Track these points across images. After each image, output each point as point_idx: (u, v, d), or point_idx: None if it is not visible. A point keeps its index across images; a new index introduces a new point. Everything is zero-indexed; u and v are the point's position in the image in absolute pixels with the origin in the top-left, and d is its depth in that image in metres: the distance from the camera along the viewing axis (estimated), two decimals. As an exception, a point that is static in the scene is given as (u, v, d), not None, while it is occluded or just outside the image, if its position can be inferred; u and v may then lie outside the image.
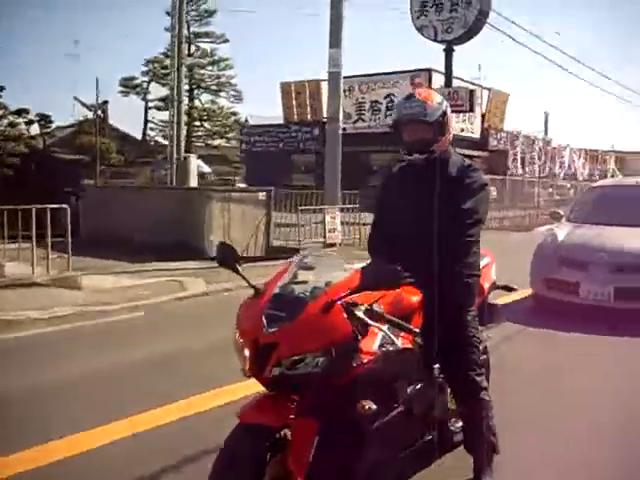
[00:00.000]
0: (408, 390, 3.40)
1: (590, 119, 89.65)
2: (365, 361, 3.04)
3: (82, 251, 12.01)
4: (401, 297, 3.36)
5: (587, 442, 4.70)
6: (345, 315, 2.93)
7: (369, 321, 2.99)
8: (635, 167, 39.70)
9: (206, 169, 31.51)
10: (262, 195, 16.06)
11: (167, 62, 30.05)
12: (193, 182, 19.29)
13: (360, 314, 2.97)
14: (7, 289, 9.54)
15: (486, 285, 4.23)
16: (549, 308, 8.73)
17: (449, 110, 3.86)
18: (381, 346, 3.13)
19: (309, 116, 38.06)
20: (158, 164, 32.28)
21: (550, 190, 32.15)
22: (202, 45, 28.89)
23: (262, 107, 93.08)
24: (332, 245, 15.45)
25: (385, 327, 3.07)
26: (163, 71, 30.20)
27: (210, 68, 30.17)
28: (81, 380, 5.84)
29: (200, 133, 29.37)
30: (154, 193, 17.85)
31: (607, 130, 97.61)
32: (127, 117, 60.98)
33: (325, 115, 36.92)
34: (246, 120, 35.95)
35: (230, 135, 31.44)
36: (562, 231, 9.28)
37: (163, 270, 12.35)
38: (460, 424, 4.24)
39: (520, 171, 31.36)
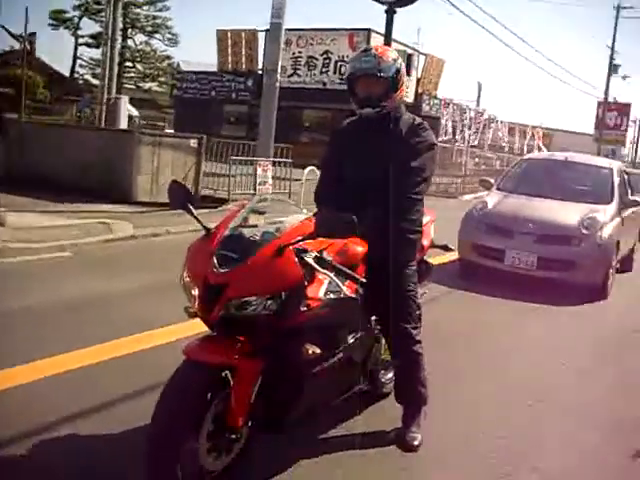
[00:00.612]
0: (349, 338, 3.48)
1: (522, 94, 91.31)
2: (312, 306, 3.08)
3: (2, 188, 11.58)
4: (347, 247, 3.42)
5: (500, 396, 4.92)
6: (296, 260, 2.96)
7: (318, 268, 3.04)
8: (561, 144, 40.77)
9: (134, 112, 30.74)
10: (193, 142, 15.77)
11: (102, -3, 29.16)
12: (123, 124, 18.75)
13: (310, 260, 3.02)
14: None
15: (425, 243, 4.32)
16: (474, 273, 8.98)
17: (403, 68, 3.91)
18: (327, 293, 3.18)
19: (244, 66, 37.48)
20: (85, 102, 31.30)
21: (477, 160, 32.68)
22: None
23: (195, 54, 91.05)
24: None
25: (332, 275, 3.12)
26: (96, 6, 29.14)
27: (146, 8, 29.32)
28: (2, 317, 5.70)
29: (132, 74, 28.55)
30: (82, 133, 17.24)
31: (537, 106, 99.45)
32: (55, 52, 58.69)
33: (260, 66, 36.74)
34: (178, 65, 35.12)
35: (162, 79, 30.66)
36: (492, 199, 9.50)
37: (89, 212, 12.03)
38: (389, 375, 4.39)
39: (450, 139, 31.71)
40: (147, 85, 30.97)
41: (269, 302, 2.92)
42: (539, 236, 8.56)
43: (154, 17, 29.90)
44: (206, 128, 20.82)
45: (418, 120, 3.93)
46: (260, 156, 15.56)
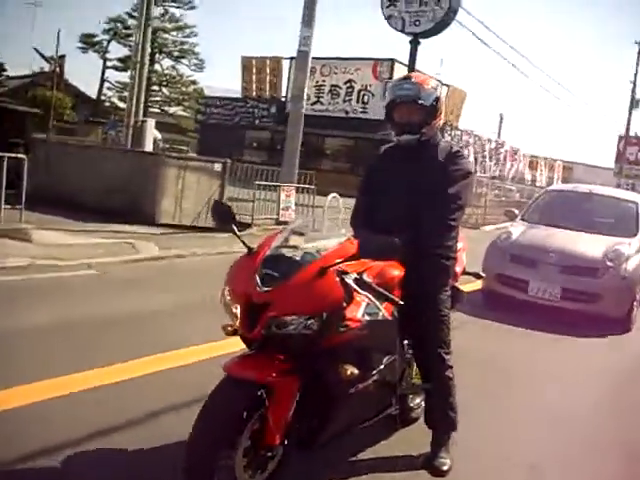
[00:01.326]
0: (384, 360, 3.53)
1: (543, 126, 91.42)
2: (350, 327, 3.14)
3: (28, 206, 11.69)
4: (384, 270, 3.48)
5: (528, 422, 4.93)
6: (337, 281, 3.02)
7: (358, 289, 3.09)
8: (581, 177, 40.76)
9: (158, 135, 31.08)
10: (217, 166, 15.93)
11: (130, 22, 29.64)
12: (148, 147, 19.02)
13: (350, 282, 3.07)
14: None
15: (458, 269, 4.36)
16: (498, 303, 8.99)
17: (442, 96, 3.98)
18: (365, 314, 3.23)
19: (267, 93, 37.89)
20: (111, 125, 31.71)
21: (497, 192, 32.74)
22: (169, 9, 28.44)
23: (219, 80, 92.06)
24: (284, 223, 15.47)
25: (371, 296, 3.17)
26: (125, 31, 29.68)
27: (174, 33, 29.79)
28: (36, 331, 5.77)
29: (157, 98, 28.94)
30: (108, 154, 17.47)
31: (558, 139, 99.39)
32: (82, 75, 59.68)
33: (284, 93, 37.13)
34: (202, 90, 35.53)
35: (187, 104, 31.03)
36: (516, 230, 9.53)
37: (113, 232, 12.16)
38: (418, 401, 4.42)
39: (470, 170, 31.84)
40: (172, 109, 31.33)
41: (310, 321, 2.98)
42: (563, 267, 8.56)
43: (182, 43, 30.39)
44: (228, 153, 21.02)
45: (455, 148, 4.00)
46: (284, 181, 15.71)
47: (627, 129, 44.40)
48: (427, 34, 22.58)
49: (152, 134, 19.57)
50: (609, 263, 8.51)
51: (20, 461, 3.48)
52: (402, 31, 22.74)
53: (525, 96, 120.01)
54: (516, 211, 10.50)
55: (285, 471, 3.32)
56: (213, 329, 5.92)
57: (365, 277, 3.16)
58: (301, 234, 3.34)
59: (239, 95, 38.72)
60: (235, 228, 3.49)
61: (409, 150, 3.95)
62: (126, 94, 29.16)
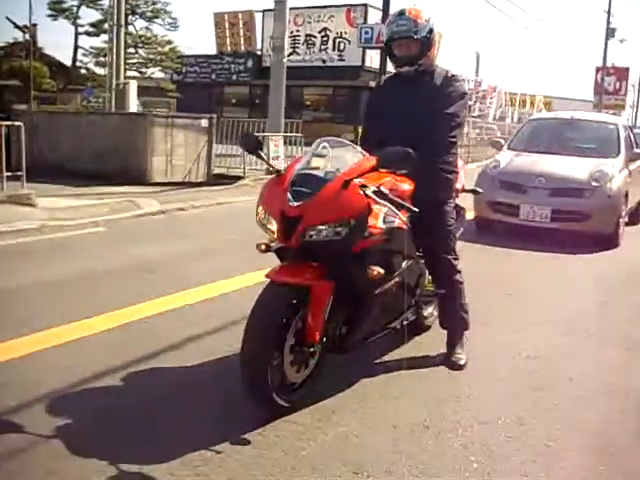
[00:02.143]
0: (403, 264, 3.93)
1: (520, 63, 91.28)
2: (373, 234, 3.52)
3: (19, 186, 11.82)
4: (397, 185, 3.85)
5: (535, 324, 5.37)
6: (360, 192, 3.40)
7: (378, 199, 3.46)
8: (560, 111, 41.09)
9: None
10: (204, 122, 16.17)
11: (99, -15, 29.40)
12: (132, 109, 19.16)
13: (370, 193, 3.44)
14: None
15: (459, 186, 4.73)
16: (491, 229, 9.42)
17: (435, 27, 4.29)
18: (385, 222, 3.62)
19: (242, 47, 37.82)
20: (88, 92, 31.64)
21: (478, 131, 33.03)
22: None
23: (194, 38, 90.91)
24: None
25: (389, 205, 3.55)
26: (94, -5, 29.50)
27: (146, -7, 29.66)
28: (69, 280, 6.13)
29: (134, 60, 28.82)
30: (94, 118, 17.55)
31: (536, 74, 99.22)
32: (54, 43, 58.94)
33: (259, 47, 37.07)
34: (177, 49, 35.30)
35: (165, 64, 30.96)
36: (504, 158, 9.91)
37: (110, 193, 12.41)
38: (430, 310, 4.84)
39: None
40: (150, 71, 31.27)
41: (338, 228, 3.36)
42: (552, 190, 8.97)
43: (154, 2, 30.20)
44: (208, 111, 21.16)
45: (451, 73, 4.34)
46: (271, 132, 15.94)
47: (604, 59, 44.59)
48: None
49: (135, 96, 19.65)
50: (595, 183, 8.92)
51: (88, 380, 3.87)
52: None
53: (500, 33, 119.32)
54: (502, 141, 10.86)
55: (322, 369, 3.73)
56: (229, 267, 6.38)
57: (383, 189, 3.53)
58: (322, 156, 3.69)
59: (214, 52, 38.64)
60: (261, 153, 3.86)
61: (409, 79, 4.28)
62: (102, 59, 29.10)
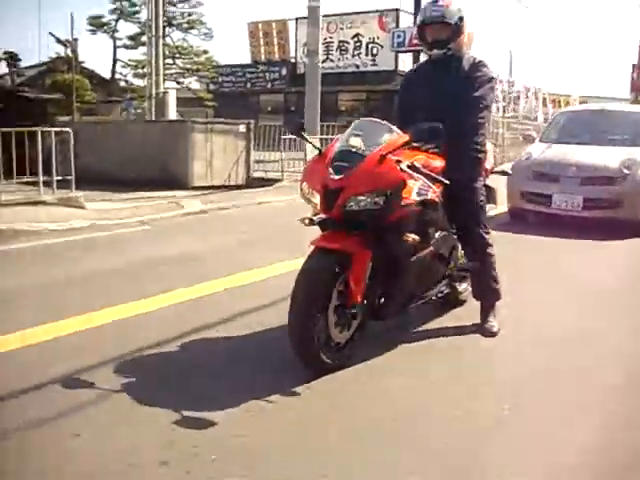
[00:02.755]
0: (437, 235, 4.24)
1: (555, 62, 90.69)
2: (408, 204, 3.84)
3: (68, 184, 12.24)
4: (429, 161, 4.16)
5: (561, 302, 5.63)
6: (395, 165, 3.72)
7: (412, 173, 3.78)
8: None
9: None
10: (242, 127, 16.62)
11: (136, -1, 30.16)
12: (172, 116, 19.68)
13: (404, 167, 3.76)
14: (18, 206, 10.09)
15: (488, 166, 5.02)
16: (524, 218, 9.66)
17: (465, 16, 4.60)
18: (419, 194, 3.93)
19: (277, 56, 38.34)
20: (127, 104, 32.39)
21: (513, 132, 33.01)
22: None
23: (228, 48, 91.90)
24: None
25: (423, 178, 3.86)
26: (131, 9, 30.29)
27: (181, 5, 30.36)
28: (122, 268, 6.54)
29: (172, 71, 29.54)
30: (135, 127, 18.11)
31: (570, 74, 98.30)
32: (92, 56, 60.56)
33: (292, 54, 37.56)
34: (213, 58, 35.91)
35: (201, 73, 31.64)
36: (536, 150, 10.14)
37: (154, 197, 12.88)
38: (464, 286, 5.13)
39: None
40: (187, 81, 31.97)
41: (377, 198, 3.69)
42: (583, 179, 9.17)
43: (189, 14, 30.93)
44: (245, 119, 21.66)
45: (479, 58, 4.65)
46: (308, 134, 16.28)
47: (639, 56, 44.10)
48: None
49: (174, 104, 20.17)
50: (626, 171, 9.09)
51: (158, 345, 4.25)
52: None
53: (534, 31, 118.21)
54: (534, 134, 11.07)
55: (364, 332, 4.05)
56: (272, 256, 6.74)
57: (416, 163, 3.85)
58: (359, 135, 4.00)
59: (248, 61, 39.22)
60: (305, 134, 4.22)
61: (438, 63, 4.61)
62: (140, 71, 29.88)
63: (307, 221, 4.03)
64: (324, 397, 3.58)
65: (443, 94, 4.47)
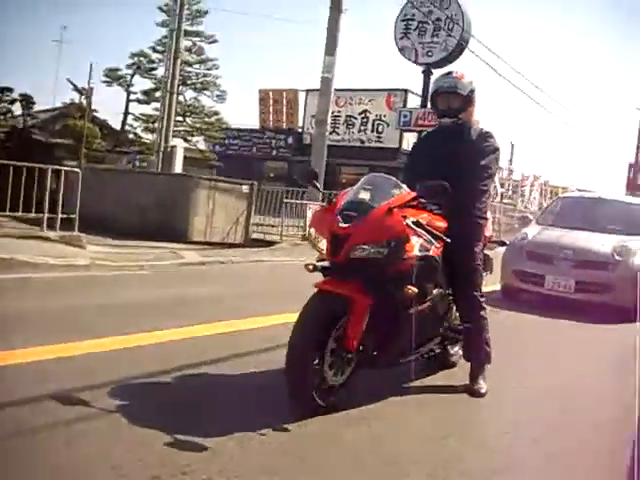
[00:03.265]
0: (434, 291, 4.39)
1: (554, 154, 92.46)
2: (410, 257, 4.01)
3: (70, 226, 12.34)
4: (432, 221, 4.35)
5: (547, 374, 5.73)
6: (401, 218, 3.91)
7: (416, 228, 3.96)
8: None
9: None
10: (245, 187, 16.89)
11: (154, 56, 30.88)
12: (178, 170, 20.04)
13: (410, 222, 3.95)
14: (21, 239, 10.24)
15: (487, 234, 5.21)
16: (516, 297, 9.83)
17: (476, 89, 4.88)
18: (420, 250, 4.10)
19: (284, 124, 39.08)
20: (133, 157, 32.85)
21: (509, 219, 33.50)
22: (190, 43, 29.68)
23: (238, 112, 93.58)
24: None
25: (425, 235, 4.04)
26: (149, 65, 31.01)
27: (197, 66, 31.08)
28: (113, 308, 6.64)
29: (181, 128, 30.10)
30: (141, 178, 18.35)
31: (568, 167, 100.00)
32: (104, 107, 61.88)
33: (300, 124, 38.31)
34: (223, 120, 36.51)
35: (209, 133, 32.21)
36: (531, 231, 10.39)
37: (153, 247, 13.03)
38: (456, 349, 5.25)
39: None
40: (194, 139, 32.51)
41: (381, 249, 3.86)
42: (577, 262, 9.38)
43: (204, 75, 31.65)
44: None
45: (486, 129, 4.90)
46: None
47: (637, 156, 45.13)
48: (440, 64, 23.37)
49: (181, 159, 20.58)
50: (618, 257, 9.31)
51: (152, 376, 4.34)
52: (415, 62, 23.73)
53: (534, 124, 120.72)
54: (530, 216, 11.34)
55: (357, 380, 4.16)
56: (267, 308, 6.87)
57: (421, 220, 4.04)
58: (367, 189, 4.20)
59: (256, 127, 39.96)
60: (317, 184, 4.42)
61: (447, 131, 4.85)
62: (150, 125, 30.41)
63: (311, 267, 4.18)
64: (314, 436, 3.67)
65: (450, 160, 4.67)
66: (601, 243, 9.60)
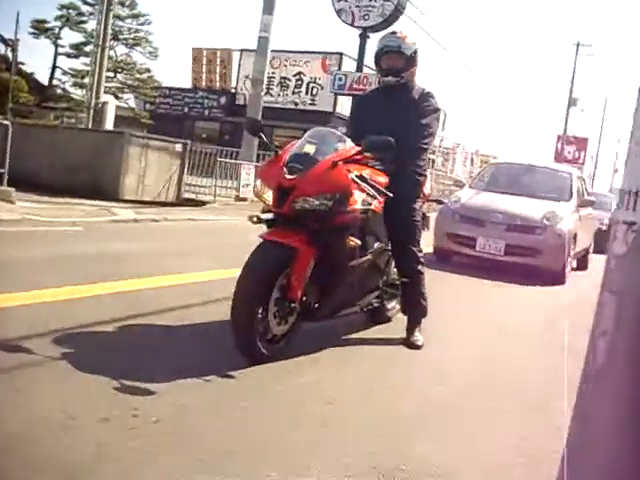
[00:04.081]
0: (375, 245, 4.49)
1: (485, 124, 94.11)
2: (353, 210, 4.08)
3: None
4: (374, 175, 4.43)
5: (472, 326, 5.95)
6: (345, 172, 3.97)
7: (360, 182, 4.03)
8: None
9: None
10: (179, 146, 16.68)
11: (84, 8, 29.99)
12: (109, 127, 19.62)
13: (353, 176, 4.01)
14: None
15: (426, 191, 5.33)
16: (449, 259, 10.08)
17: (418, 50, 4.94)
18: (363, 203, 4.18)
19: (217, 84, 38.58)
20: (62, 113, 32.00)
21: (442, 186, 34.00)
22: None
23: (170, 70, 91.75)
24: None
25: (368, 189, 4.12)
26: (78, 17, 30.06)
27: (129, 21, 30.29)
28: (49, 261, 6.54)
29: (112, 84, 29.34)
30: (70, 134, 17.88)
31: (498, 137, 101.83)
32: (32, 60, 59.64)
33: (234, 84, 37.89)
34: (154, 78, 35.84)
35: (141, 91, 31.50)
36: (464, 195, 10.61)
37: (84, 204, 12.77)
38: (393, 304, 5.38)
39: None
40: (125, 97, 31.80)
41: (325, 201, 3.92)
42: (507, 225, 9.66)
43: (136, 30, 30.91)
44: (180, 141, 21.72)
45: (427, 90, 4.97)
46: (244, 160, 16.53)
47: (565, 127, 46.30)
48: (376, 28, 23.32)
49: (113, 116, 20.15)
50: (546, 222, 9.63)
51: (93, 325, 4.32)
52: (352, 25, 23.64)
53: (467, 93, 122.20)
54: (464, 181, 11.58)
55: (298, 329, 4.24)
56: (198, 264, 6.87)
57: (364, 174, 4.11)
58: (313, 143, 4.23)
59: (189, 86, 39.35)
60: (263, 136, 4.42)
61: (390, 90, 4.91)
62: (79, 80, 29.61)
63: (255, 219, 4.22)
64: (257, 381, 3.74)
65: (392, 118, 4.75)
66: (531, 208, 9.90)
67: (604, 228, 13.71)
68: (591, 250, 12.44)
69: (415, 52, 4.88)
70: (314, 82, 35.71)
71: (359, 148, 4.10)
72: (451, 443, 3.28)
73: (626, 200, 1.69)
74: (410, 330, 4.97)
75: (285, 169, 3.99)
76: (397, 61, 4.83)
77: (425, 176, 5.00)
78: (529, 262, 9.52)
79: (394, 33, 4.94)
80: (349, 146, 4.23)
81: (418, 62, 4.97)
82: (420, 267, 4.91)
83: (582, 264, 11.87)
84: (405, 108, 4.83)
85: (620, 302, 1.67)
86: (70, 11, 30.46)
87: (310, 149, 4.15)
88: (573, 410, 1.77)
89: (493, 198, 10.34)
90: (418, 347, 4.85)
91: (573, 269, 10.55)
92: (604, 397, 1.66)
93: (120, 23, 29.76)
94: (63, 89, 30.87)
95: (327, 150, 4.14)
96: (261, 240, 3.97)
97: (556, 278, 9.58)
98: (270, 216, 4.11)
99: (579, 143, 51.60)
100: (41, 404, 3.04)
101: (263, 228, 4.22)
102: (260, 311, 3.86)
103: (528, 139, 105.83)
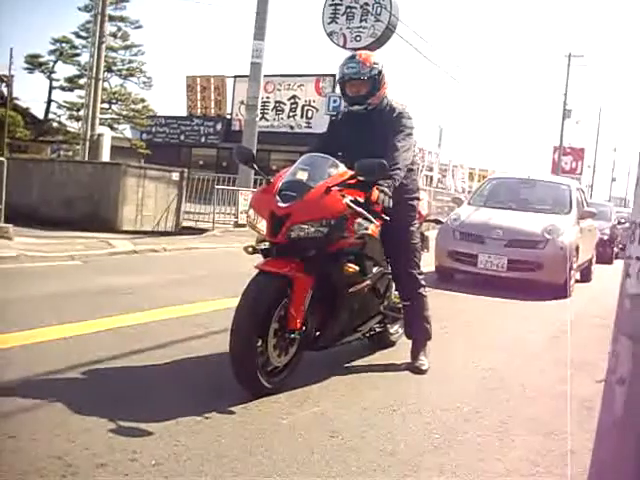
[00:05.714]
0: (374, 269, 4.41)
1: (482, 139, 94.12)
2: (350, 236, 4.01)
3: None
4: (370, 200, 4.34)
5: (483, 345, 5.85)
6: (339, 197, 3.90)
7: (355, 207, 3.96)
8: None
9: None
10: (175, 175, 16.65)
11: (77, 42, 30.09)
12: (106, 159, 19.58)
13: (348, 201, 3.95)
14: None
15: (423, 213, 5.25)
16: (451, 277, 10.00)
17: (384, 69, 4.67)
18: (359, 229, 4.11)
19: (212, 111, 38.70)
20: (57, 146, 32.05)
21: (441, 203, 33.89)
22: (114, 29, 28.90)
23: (165, 99, 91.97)
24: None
25: (365, 213, 4.05)
26: (72, 51, 30.15)
27: (122, 52, 30.36)
28: (47, 298, 6.48)
29: (107, 116, 29.33)
30: (67, 167, 17.86)
31: (496, 151, 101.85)
32: (27, 95, 59.81)
33: (229, 111, 37.99)
34: (150, 107, 35.89)
35: (137, 121, 31.52)
36: (464, 212, 10.55)
37: (83, 237, 12.71)
38: (396, 327, 5.30)
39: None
40: (121, 127, 31.81)
41: (320, 227, 3.85)
42: (508, 241, 9.59)
43: (130, 61, 30.98)
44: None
45: (399, 109, 4.67)
46: (241, 186, 16.48)
47: (561, 139, 46.32)
48: (368, 49, 23.31)
49: (109, 147, 20.11)
50: (547, 235, 9.56)
51: (90, 364, 4.23)
52: (344, 47, 23.69)
53: (462, 108, 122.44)
54: (463, 197, 11.52)
55: (300, 360, 4.15)
56: (198, 294, 6.78)
57: (359, 199, 4.04)
58: (305, 170, 4.16)
59: (184, 114, 39.47)
60: (254, 165, 4.35)
61: (360, 116, 4.65)
62: (75, 113, 29.60)
63: (250, 249, 4.16)
64: (260, 416, 3.64)
65: (366, 145, 4.44)
66: (531, 222, 9.84)
67: (605, 237, 13.66)
68: (594, 262, 12.37)
69: (379, 73, 4.56)
70: (309, 105, 35.78)
71: (352, 172, 4.02)
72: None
73: (638, 234, 1.56)
74: (414, 354, 4.88)
75: (278, 197, 3.92)
76: (361, 87, 4.54)
77: (417, 198, 4.90)
78: (532, 277, 9.44)
79: (353, 57, 4.62)
80: (342, 171, 4.16)
81: (386, 82, 4.66)
82: (422, 290, 4.83)
83: (586, 276, 11.80)
84: (377, 134, 4.55)
85: (638, 347, 1.53)
86: (63, 45, 30.53)
87: (303, 175, 4.09)
88: (592, 456, 1.67)
89: (493, 214, 10.28)
90: (423, 372, 4.75)
91: (577, 281, 10.47)
92: (624, 449, 1.55)
93: (113, 54, 29.80)
94: (59, 122, 30.85)
95: (320, 176, 4.08)
96: (257, 271, 3.89)
97: (560, 291, 9.48)
98: (266, 245, 4.05)
99: (576, 153, 51.68)
100: (38, 452, 2.95)
101: (260, 257, 4.17)
102: (259, 344, 3.78)
103: (525, 151, 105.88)
